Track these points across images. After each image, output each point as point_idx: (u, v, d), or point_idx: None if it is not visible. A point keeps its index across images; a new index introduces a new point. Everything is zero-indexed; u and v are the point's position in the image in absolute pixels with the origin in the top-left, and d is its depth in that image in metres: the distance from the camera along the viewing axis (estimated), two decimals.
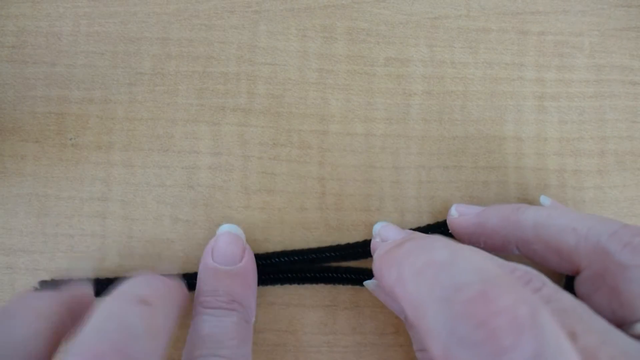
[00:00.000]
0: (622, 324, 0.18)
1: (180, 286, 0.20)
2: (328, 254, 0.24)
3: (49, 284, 0.23)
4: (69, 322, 0.18)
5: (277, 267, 0.24)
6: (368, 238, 0.24)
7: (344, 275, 0.24)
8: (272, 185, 0.25)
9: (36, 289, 0.23)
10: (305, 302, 0.24)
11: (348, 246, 0.24)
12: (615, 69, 0.26)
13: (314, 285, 0.24)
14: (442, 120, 0.26)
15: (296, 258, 0.24)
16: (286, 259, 0.24)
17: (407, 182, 0.25)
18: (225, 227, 0.23)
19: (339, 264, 0.24)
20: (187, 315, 0.23)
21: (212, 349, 0.19)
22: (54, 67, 0.26)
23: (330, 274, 0.24)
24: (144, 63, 0.26)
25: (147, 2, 0.26)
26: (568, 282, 0.23)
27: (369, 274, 0.24)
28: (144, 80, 0.26)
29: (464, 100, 0.26)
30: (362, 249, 0.24)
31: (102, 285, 0.23)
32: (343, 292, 0.24)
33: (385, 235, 0.22)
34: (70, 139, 0.25)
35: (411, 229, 0.24)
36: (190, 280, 0.23)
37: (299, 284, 0.24)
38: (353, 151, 0.25)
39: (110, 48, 0.26)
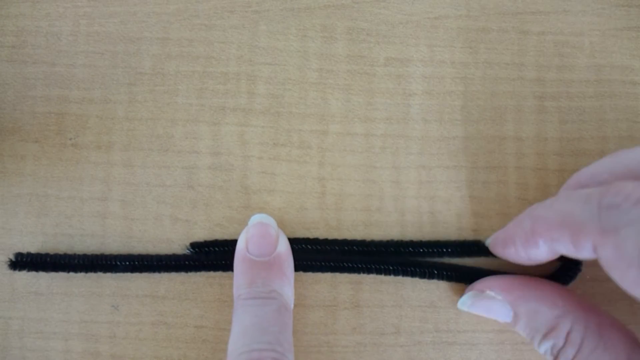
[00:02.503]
0: None
1: None
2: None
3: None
4: None
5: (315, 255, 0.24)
6: (367, 238, 0.24)
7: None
8: (272, 185, 0.25)
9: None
10: (305, 302, 0.24)
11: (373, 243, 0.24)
12: (616, 69, 0.26)
13: (314, 285, 0.24)
14: (442, 120, 0.26)
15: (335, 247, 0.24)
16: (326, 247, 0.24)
17: (407, 182, 0.25)
18: (256, 218, 0.24)
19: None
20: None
21: (256, 338, 0.20)
22: (54, 67, 0.26)
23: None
24: (144, 63, 0.26)
25: (147, 2, 0.26)
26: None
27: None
28: (144, 80, 0.26)
29: (464, 100, 0.26)
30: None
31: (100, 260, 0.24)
32: (343, 292, 0.24)
33: None
34: (70, 139, 0.25)
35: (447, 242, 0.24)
36: (199, 248, 0.24)
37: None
38: (353, 151, 0.25)
39: (110, 48, 0.26)
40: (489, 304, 0.22)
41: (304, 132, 0.25)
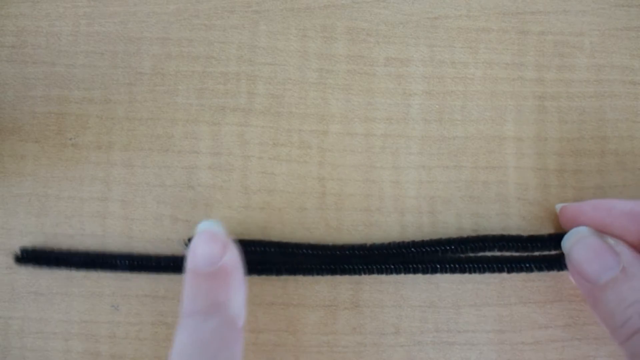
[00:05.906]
0: None
1: None
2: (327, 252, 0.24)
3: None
4: None
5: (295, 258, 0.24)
6: (367, 238, 0.24)
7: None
8: (272, 185, 0.25)
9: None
10: (305, 302, 0.24)
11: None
12: (616, 68, 0.26)
13: (314, 286, 0.24)
14: (442, 120, 0.26)
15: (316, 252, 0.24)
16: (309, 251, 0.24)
17: (407, 182, 0.25)
18: (203, 225, 0.22)
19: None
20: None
21: (193, 357, 0.19)
22: (54, 67, 0.26)
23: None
24: (144, 63, 0.26)
25: (147, 2, 0.26)
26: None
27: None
28: (144, 80, 0.26)
29: (464, 100, 0.26)
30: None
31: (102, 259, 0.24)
32: (343, 292, 0.24)
33: None
34: (70, 139, 0.25)
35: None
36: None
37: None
38: (353, 151, 0.25)
39: (110, 48, 0.26)
40: (600, 248, 0.21)
41: (304, 132, 0.25)
